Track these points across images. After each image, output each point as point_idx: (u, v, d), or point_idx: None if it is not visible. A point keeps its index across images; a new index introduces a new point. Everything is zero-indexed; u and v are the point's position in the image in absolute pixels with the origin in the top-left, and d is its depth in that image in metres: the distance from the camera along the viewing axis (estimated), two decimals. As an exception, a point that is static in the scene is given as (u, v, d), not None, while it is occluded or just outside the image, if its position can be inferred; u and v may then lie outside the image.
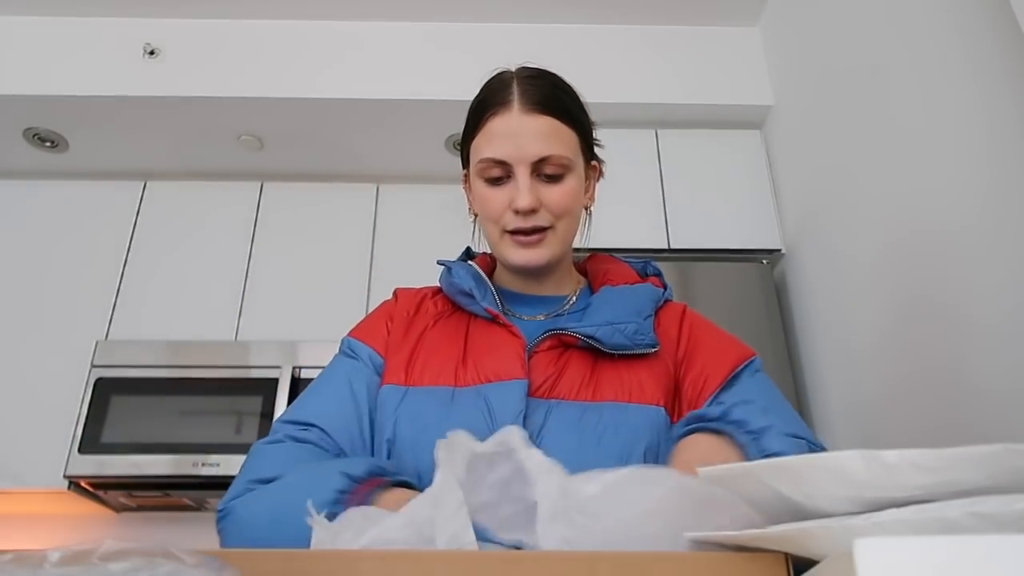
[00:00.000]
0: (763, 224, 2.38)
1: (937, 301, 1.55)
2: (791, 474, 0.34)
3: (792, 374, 2.16)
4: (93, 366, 2.27)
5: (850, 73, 1.95)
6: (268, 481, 0.70)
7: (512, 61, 0.92)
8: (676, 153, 2.48)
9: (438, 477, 0.44)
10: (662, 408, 0.79)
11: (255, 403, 2.22)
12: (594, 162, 0.94)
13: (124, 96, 2.40)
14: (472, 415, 0.76)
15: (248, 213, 2.61)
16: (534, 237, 0.85)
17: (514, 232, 0.85)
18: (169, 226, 2.58)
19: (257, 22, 2.53)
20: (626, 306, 0.85)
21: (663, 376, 0.82)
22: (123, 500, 2.36)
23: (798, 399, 2.14)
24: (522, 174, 0.83)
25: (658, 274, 0.95)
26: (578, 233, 0.92)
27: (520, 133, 0.83)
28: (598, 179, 0.96)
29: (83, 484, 2.20)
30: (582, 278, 0.98)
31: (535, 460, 0.43)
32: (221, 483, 2.12)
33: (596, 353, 0.82)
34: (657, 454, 0.75)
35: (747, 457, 0.63)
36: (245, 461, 0.76)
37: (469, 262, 0.94)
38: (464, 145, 0.92)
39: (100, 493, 2.28)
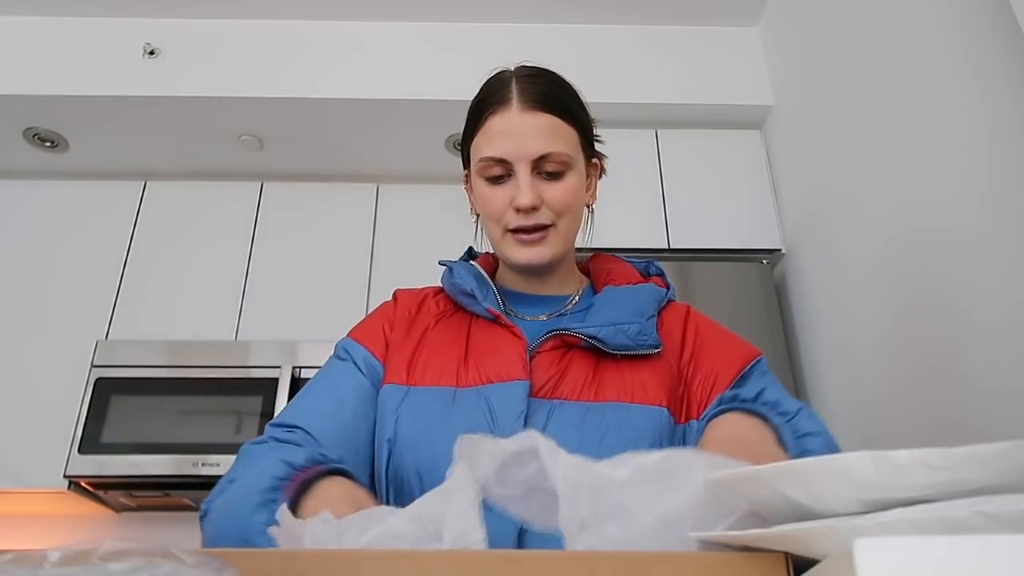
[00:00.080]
0: (763, 224, 2.38)
1: (937, 300, 1.55)
2: (799, 478, 0.34)
3: (792, 374, 2.16)
4: (93, 366, 2.27)
5: (850, 73, 1.95)
6: None
7: (512, 61, 0.92)
8: (676, 153, 2.48)
9: (454, 472, 0.43)
10: (665, 409, 0.79)
11: (255, 403, 2.22)
12: (595, 160, 0.94)
13: (124, 96, 2.40)
14: (474, 416, 0.76)
15: (248, 213, 2.61)
16: (536, 235, 0.85)
17: (516, 231, 0.85)
18: (169, 226, 2.58)
19: (257, 22, 2.53)
20: (629, 306, 0.85)
21: (666, 377, 0.82)
22: (123, 500, 2.36)
23: (798, 399, 2.14)
24: (523, 172, 0.83)
25: (661, 274, 0.95)
26: (580, 231, 0.92)
27: (520, 131, 0.83)
28: (599, 176, 0.96)
29: (83, 484, 2.20)
30: (585, 278, 0.98)
31: (559, 465, 0.43)
32: (221, 483, 2.11)
33: (599, 353, 0.82)
34: None
35: (781, 437, 0.63)
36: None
37: (471, 262, 0.94)
38: (464, 145, 0.92)
39: (100, 493, 2.28)
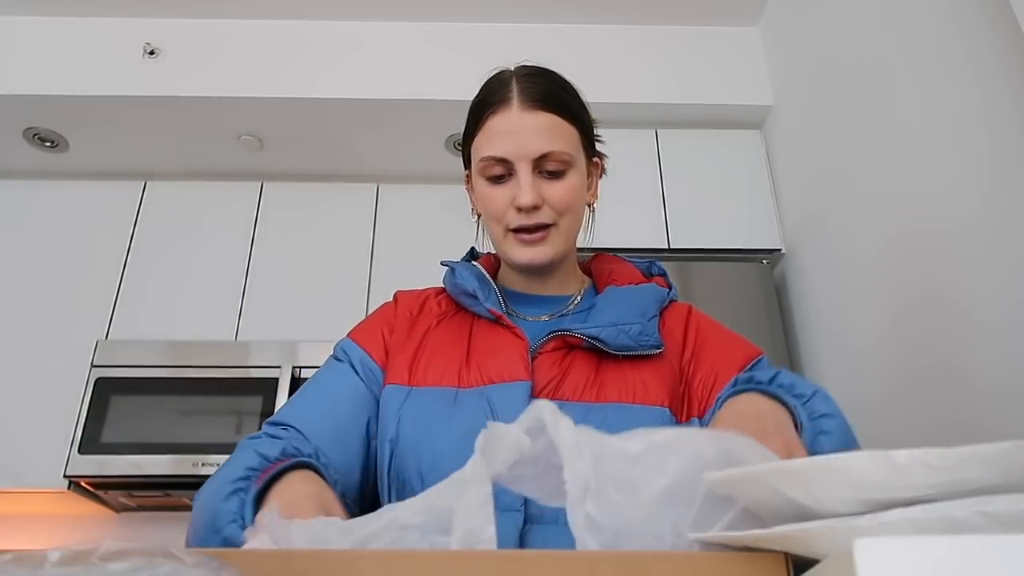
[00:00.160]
0: (763, 224, 2.38)
1: (937, 300, 1.55)
2: (798, 477, 0.34)
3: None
4: (93, 366, 2.27)
5: (850, 73, 1.95)
6: None
7: (512, 61, 0.92)
8: (676, 153, 2.48)
9: (471, 465, 0.43)
10: (667, 409, 0.78)
11: (255, 403, 2.22)
12: (596, 159, 0.94)
13: (124, 96, 2.40)
14: (475, 416, 0.76)
15: (248, 213, 2.61)
16: (537, 235, 0.85)
17: (517, 230, 0.85)
18: (169, 226, 2.58)
19: (257, 22, 2.53)
20: (631, 307, 0.85)
21: (668, 377, 0.82)
22: (123, 500, 2.36)
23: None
24: (523, 171, 0.83)
25: (663, 274, 0.95)
26: (581, 231, 0.92)
27: (520, 130, 0.83)
28: (600, 176, 0.96)
29: (83, 484, 2.20)
30: (587, 278, 0.98)
31: (562, 427, 0.43)
32: (221, 483, 2.11)
33: (600, 354, 0.81)
34: None
35: (796, 418, 0.63)
36: None
37: (473, 262, 0.94)
38: (465, 145, 0.92)
39: (100, 493, 2.28)
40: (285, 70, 2.45)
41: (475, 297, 0.87)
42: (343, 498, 0.69)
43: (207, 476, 0.71)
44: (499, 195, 0.85)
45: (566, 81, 0.91)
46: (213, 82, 2.43)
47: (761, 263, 2.34)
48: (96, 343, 2.31)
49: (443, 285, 0.94)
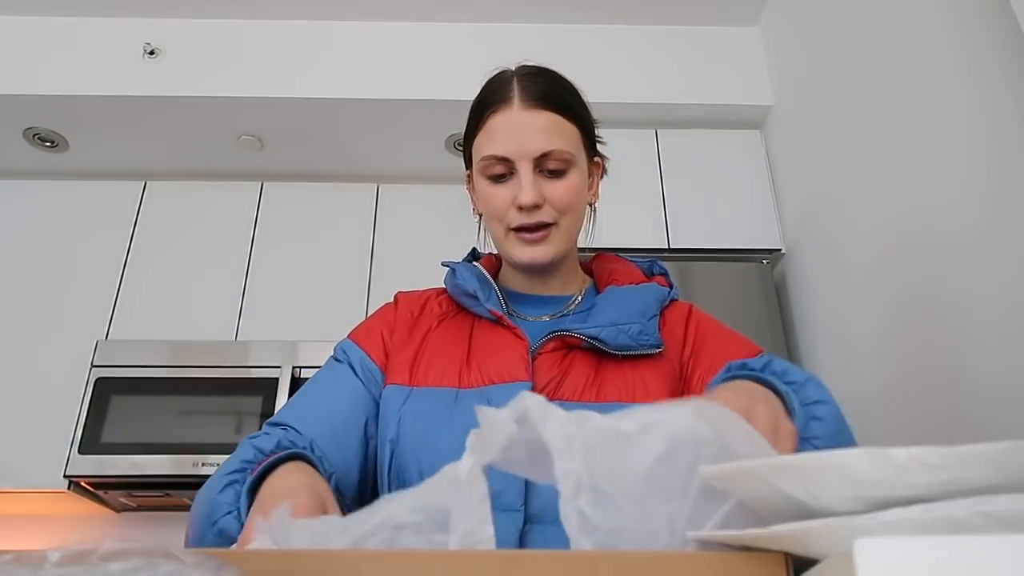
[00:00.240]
0: (763, 224, 2.38)
1: (937, 301, 1.55)
2: (796, 474, 0.34)
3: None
4: (93, 366, 2.27)
5: (850, 73, 1.95)
6: None
7: (512, 61, 0.92)
8: (676, 153, 2.48)
9: (466, 463, 0.42)
10: None
11: (255, 403, 2.22)
12: (597, 159, 0.94)
13: (124, 96, 2.40)
14: (475, 417, 0.76)
15: (248, 213, 2.61)
16: (538, 234, 0.85)
17: (519, 229, 0.85)
18: (169, 226, 2.58)
19: (257, 22, 2.53)
20: (631, 306, 0.85)
21: (668, 376, 0.82)
22: (123, 500, 2.36)
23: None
24: (524, 170, 0.83)
25: (664, 273, 0.95)
26: (583, 231, 0.92)
27: (521, 129, 0.83)
28: (601, 176, 0.96)
29: (83, 484, 2.20)
30: (588, 278, 0.98)
31: (550, 420, 0.42)
32: (221, 483, 2.11)
33: (600, 354, 0.81)
34: None
35: (788, 405, 0.62)
36: None
37: (474, 263, 0.94)
38: (466, 145, 0.92)
39: (100, 493, 2.28)
40: (285, 70, 2.45)
41: (476, 298, 0.87)
42: (339, 495, 0.69)
43: (207, 476, 0.72)
44: (500, 194, 0.85)
45: (567, 80, 0.91)
46: (213, 82, 2.43)
47: (761, 263, 2.34)
48: (96, 343, 2.31)
49: (444, 286, 0.94)
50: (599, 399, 0.78)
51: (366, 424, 0.82)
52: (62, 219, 2.57)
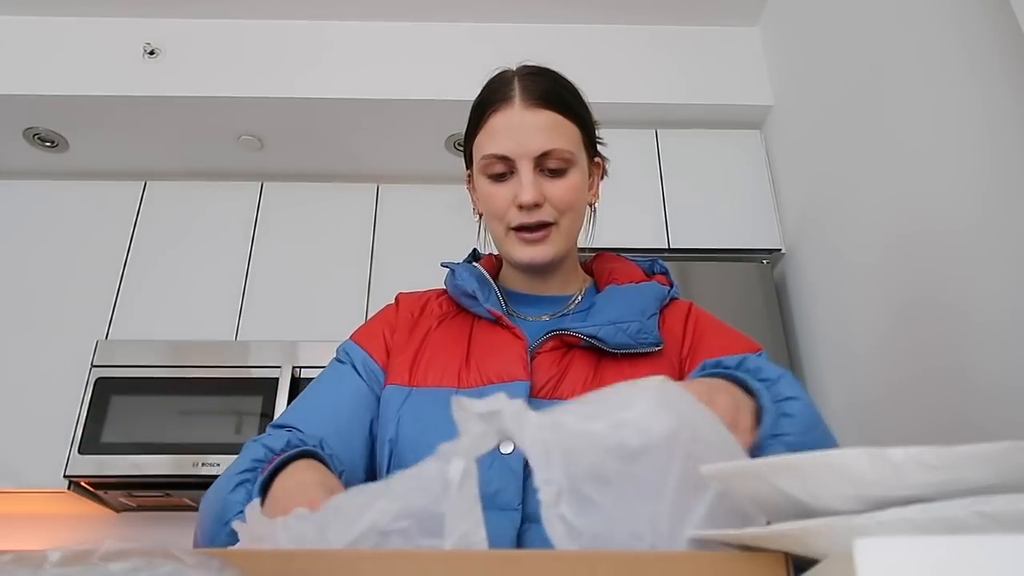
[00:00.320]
0: (763, 224, 2.38)
1: (938, 301, 1.55)
2: (795, 472, 0.34)
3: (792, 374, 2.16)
4: (93, 366, 2.27)
5: (850, 73, 1.95)
6: None
7: (512, 61, 0.92)
8: (676, 153, 2.48)
9: (457, 464, 0.42)
10: None
11: (255, 403, 2.22)
12: (597, 159, 0.94)
13: (124, 96, 2.40)
14: None
15: (248, 213, 2.61)
16: (539, 234, 0.85)
17: (519, 228, 0.85)
18: (169, 226, 2.58)
19: (257, 22, 2.53)
20: (630, 305, 0.85)
21: (668, 374, 0.81)
22: (123, 500, 2.36)
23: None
24: (525, 168, 0.83)
25: (665, 272, 0.95)
26: (582, 231, 0.92)
27: (522, 128, 0.83)
28: (602, 177, 0.96)
29: (83, 484, 2.20)
30: (588, 277, 0.98)
31: (526, 427, 0.42)
32: (221, 483, 2.11)
33: (599, 353, 0.81)
34: None
35: (760, 402, 0.62)
36: None
37: (474, 264, 0.94)
38: (467, 144, 0.92)
39: (100, 493, 2.28)
40: (285, 70, 2.45)
41: (475, 298, 0.87)
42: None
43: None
44: (501, 193, 0.85)
45: (568, 81, 0.91)
46: (213, 82, 2.43)
47: (761, 263, 2.34)
48: (96, 343, 2.31)
49: (444, 287, 0.95)
50: None
51: (371, 424, 0.83)
52: (62, 219, 2.57)
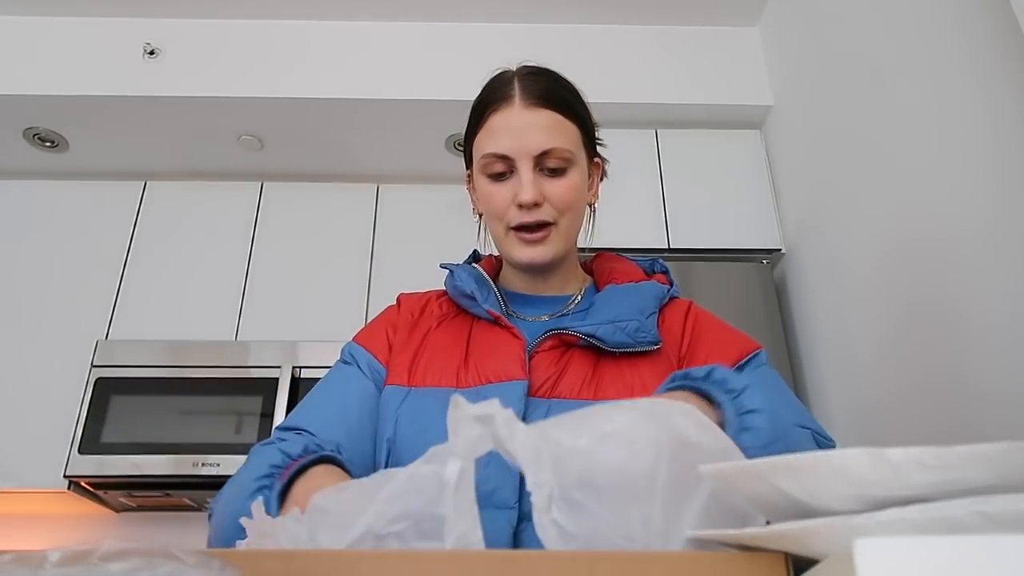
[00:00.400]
0: (763, 224, 2.38)
1: (938, 303, 1.55)
2: (795, 472, 0.34)
3: (792, 375, 2.16)
4: (93, 366, 2.27)
5: (850, 73, 1.95)
6: None
7: (512, 61, 0.92)
8: (676, 153, 2.48)
9: (454, 465, 0.42)
10: None
11: (255, 403, 2.22)
12: (597, 160, 0.94)
13: (124, 96, 2.40)
14: None
15: (248, 213, 2.61)
16: (538, 234, 0.85)
17: (519, 228, 0.85)
18: (169, 226, 2.58)
19: (257, 22, 2.53)
20: (630, 304, 0.85)
21: (667, 373, 0.81)
22: (123, 500, 2.36)
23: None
24: (525, 168, 0.83)
25: (665, 271, 0.95)
26: (582, 230, 0.92)
27: (522, 127, 0.83)
28: (602, 178, 0.96)
29: (83, 484, 2.20)
30: (588, 277, 0.98)
31: (517, 435, 0.42)
32: (221, 483, 2.09)
33: (598, 352, 0.81)
34: None
35: (723, 414, 0.61)
36: None
37: (473, 264, 0.95)
38: (467, 144, 0.92)
39: (100, 493, 2.28)
40: (285, 70, 2.45)
41: (474, 299, 0.87)
42: None
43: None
44: (500, 192, 0.85)
45: (568, 81, 0.91)
46: (213, 82, 2.43)
47: (761, 263, 2.34)
48: (96, 343, 2.31)
49: (444, 287, 0.95)
50: (597, 397, 0.78)
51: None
52: (62, 219, 2.57)
